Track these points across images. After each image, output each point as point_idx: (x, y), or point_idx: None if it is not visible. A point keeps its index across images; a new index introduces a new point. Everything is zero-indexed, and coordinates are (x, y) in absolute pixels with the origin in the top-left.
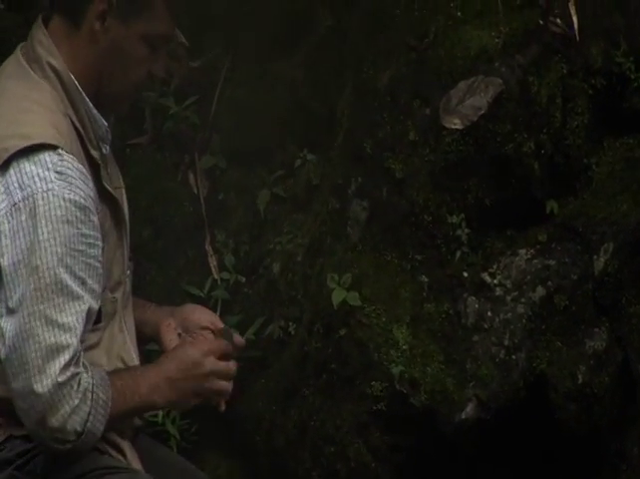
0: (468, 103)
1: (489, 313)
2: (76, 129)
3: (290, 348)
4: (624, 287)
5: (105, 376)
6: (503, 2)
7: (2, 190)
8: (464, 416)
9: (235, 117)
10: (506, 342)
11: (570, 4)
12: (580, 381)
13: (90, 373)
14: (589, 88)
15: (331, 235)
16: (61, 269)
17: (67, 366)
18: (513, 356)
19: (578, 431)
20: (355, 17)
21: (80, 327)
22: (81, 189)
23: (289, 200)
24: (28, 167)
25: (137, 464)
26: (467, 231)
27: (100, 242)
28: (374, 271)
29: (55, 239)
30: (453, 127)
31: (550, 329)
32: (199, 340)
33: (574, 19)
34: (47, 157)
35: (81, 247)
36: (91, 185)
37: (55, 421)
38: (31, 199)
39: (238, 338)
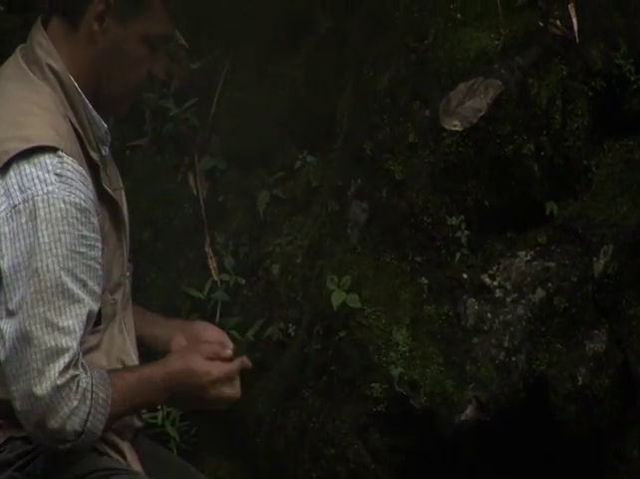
0: (467, 105)
1: (489, 315)
2: (75, 130)
3: (290, 350)
4: (624, 289)
5: (105, 375)
6: (503, 4)
7: (2, 192)
8: (463, 418)
9: (235, 118)
10: (506, 344)
11: (570, 6)
12: (580, 383)
13: (89, 373)
14: (589, 90)
15: (331, 236)
16: (62, 272)
17: (66, 369)
18: (513, 358)
19: (578, 433)
20: (355, 19)
21: (80, 331)
22: (81, 191)
23: (289, 201)
24: (28, 169)
25: (136, 466)
26: (466, 232)
27: (100, 244)
28: (374, 273)
29: (55, 241)
30: (452, 128)
31: (550, 331)
32: (213, 363)
33: (574, 21)
34: (47, 159)
35: (82, 250)
36: (91, 186)
37: (54, 423)
38: (31, 201)
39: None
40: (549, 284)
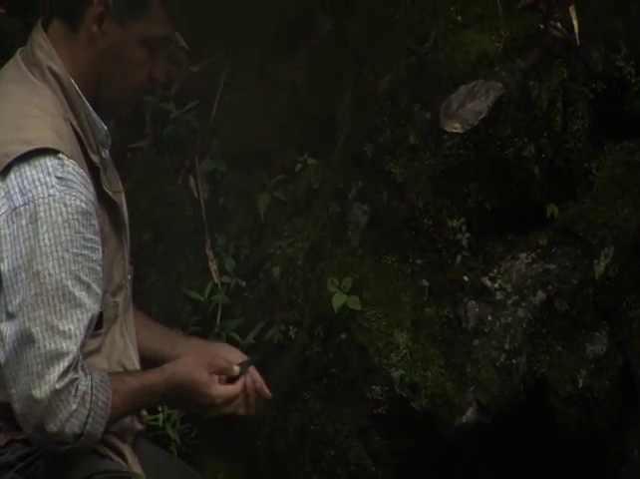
0: (468, 107)
1: (490, 317)
2: (76, 133)
3: (291, 352)
4: (625, 292)
5: (105, 377)
6: (504, 6)
7: (2, 194)
8: (464, 420)
9: (236, 121)
10: (507, 346)
11: (571, 8)
12: (581, 385)
13: (89, 376)
14: (590, 92)
15: (331, 239)
16: (63, 276)
17: (65, 373)
18: (514, 360)
19: (579, 435)
20: (355, 21)
21: (81, 335)
22: (82, 193)
23: (289, 204)
24: (29, 171)
25: (137, 468)
26: (467, 235)
27: (100, 247)
28: (374, 276)
29: (57, 244)
30: (453, 131)
31: (551, 333)
32: (216, 385)
33: (575, 23)
34: (48, 161)
35: (84, 252)
36: (91, 189)
37: (53, 426)
38: (32, 204)
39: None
40: (550, 287)
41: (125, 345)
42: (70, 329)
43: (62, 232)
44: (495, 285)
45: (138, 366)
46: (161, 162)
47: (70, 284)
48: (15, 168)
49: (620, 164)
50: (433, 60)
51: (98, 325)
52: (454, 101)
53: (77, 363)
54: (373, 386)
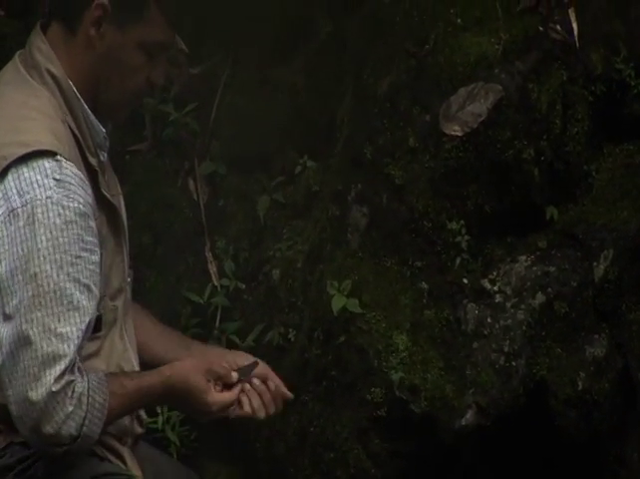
0: (467, 109)
1: (489, 320)
2: (74, 135)
3: (290, 355)
4: (624, 294)
5: (102, 379)
6: (503, 9)
7: (0, 196)
8: (463, 422)
9: (235, 123)
10: (506, 349)
11: (570, 11)
12: (580, 388)
13: (85, 378)
14: (589, 94)
15: (331, 241)
16: (61, 278)
17: (62, 375)
18: (513, 363)
19: (578, 438)
20: (355, 23)
21: (78, 338)
22: (79, 195)
23: (289, 206)
24: (27, 173)
25: (136, 471)
26: (466, 237)
27: (98, 249)
28: (374, 278)
29: (54, 246)
30: (452, 133)
31: (550, 336)
32: (211, 392)
33: (574, 26)
34: (45, 163)
35: (82, 254)
36: (89, 191)
37: (49, 428)
38: (29, 205)
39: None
40: (549, 289)
41: (124, 348)
42: (67, 332)
43: (59, 233)
44: (495, 288)
45: (137, 369)
46: (161, 164)
47: (67, 287)
48: (13, 170)
49: (620, 166)
50: (432, 62)
51: (97, 328)
52: (453, 103)
53: (73, 365)
54: (372, 389)
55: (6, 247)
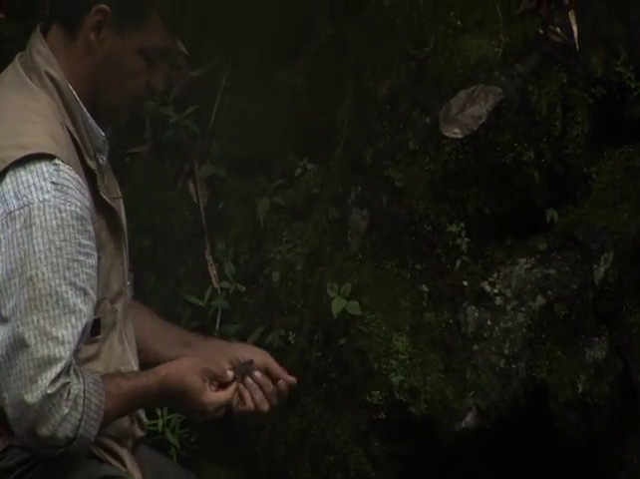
0: (467, 112)
1: (489, 322)
2: (73, 139)
3: (290, 357)
4: (624, 297)
5: (98, 380)
6: (503, 11)
7: None
8: (463, 425)
9: (235, 126)
10: (506, 351)
11: (570, 13)
12: (580, 390)
13: (81, 379)
14: (589, 97)
15: (331, 244)
16: (57, 281)
17: (57, 378)
18: (513, 365)
19: (578, 440)
20: (355, 26)
21: (74, 341)
22: (77, 199)
23: (289, 209)
24: (24, 176)
25: (136, 473)
26: (466, 240)
27: (95, 252)
28: (374, 281)
29: (51, 250)
30: (452, 136)
31: (550, 338)
32: (207, 392)
33: (574, 28)
34: (44, 167)
35: (79, 258)
36: (87, 194)
37: (45, 430)
38: (26, 208)
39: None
40: (549, 292)
41: (123, 352)
42: (63, 335)
43: (56, 237)
44: (495, 290)
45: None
46: (161, 167)
47: (64, 290)
48: (11, 172)
49: (620, 169)
50: (432, 65)
51: (96, 332)
52: (453, 106)
53: (69, 368)
54: (372, 391)
55: (3, 250)
